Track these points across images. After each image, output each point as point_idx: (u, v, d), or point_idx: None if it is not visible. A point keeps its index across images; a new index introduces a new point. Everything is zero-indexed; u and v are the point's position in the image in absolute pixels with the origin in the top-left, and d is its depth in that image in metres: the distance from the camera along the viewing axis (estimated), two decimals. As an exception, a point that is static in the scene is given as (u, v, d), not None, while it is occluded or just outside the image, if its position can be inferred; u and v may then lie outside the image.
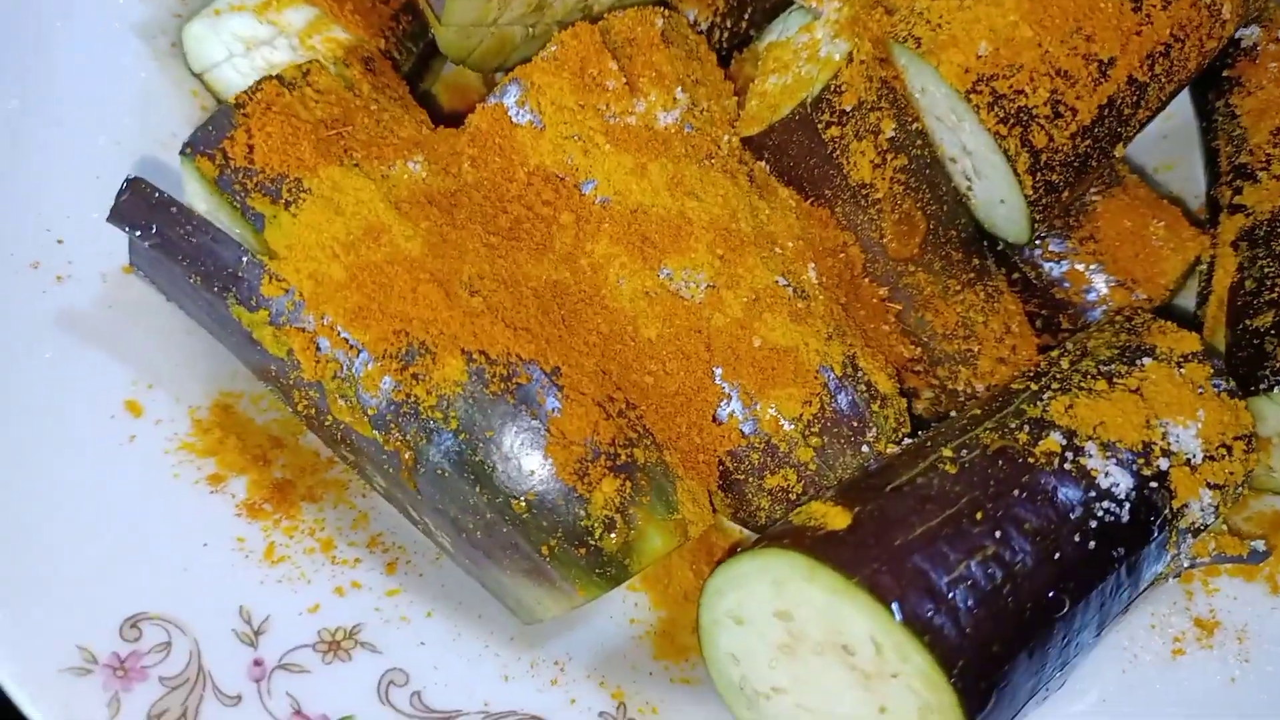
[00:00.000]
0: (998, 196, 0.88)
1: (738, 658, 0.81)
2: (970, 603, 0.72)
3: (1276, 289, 0.92)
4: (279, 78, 0.84)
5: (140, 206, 0.80)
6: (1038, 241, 0.98)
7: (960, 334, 0.94)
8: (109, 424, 0.88)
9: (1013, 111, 0.82)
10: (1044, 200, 0.85)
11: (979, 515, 0.76)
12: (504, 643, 0.88)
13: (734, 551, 0.81)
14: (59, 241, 0.92)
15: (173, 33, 1.03)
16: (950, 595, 0.71)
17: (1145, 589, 0.85)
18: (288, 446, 0.92)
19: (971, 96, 0.82)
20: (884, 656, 0.72)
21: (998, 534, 0.75)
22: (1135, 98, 0.83)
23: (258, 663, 0.81)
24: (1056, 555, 0.76)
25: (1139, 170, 1.11)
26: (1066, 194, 0.87)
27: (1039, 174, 0.84)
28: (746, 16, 1.05)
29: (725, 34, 1.05)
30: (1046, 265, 0.99)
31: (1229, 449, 0.85)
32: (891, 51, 0.87)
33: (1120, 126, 0.84)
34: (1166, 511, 0.82)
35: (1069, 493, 0.79)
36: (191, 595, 0.82)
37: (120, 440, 0.87)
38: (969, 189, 0.90)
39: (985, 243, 0.97)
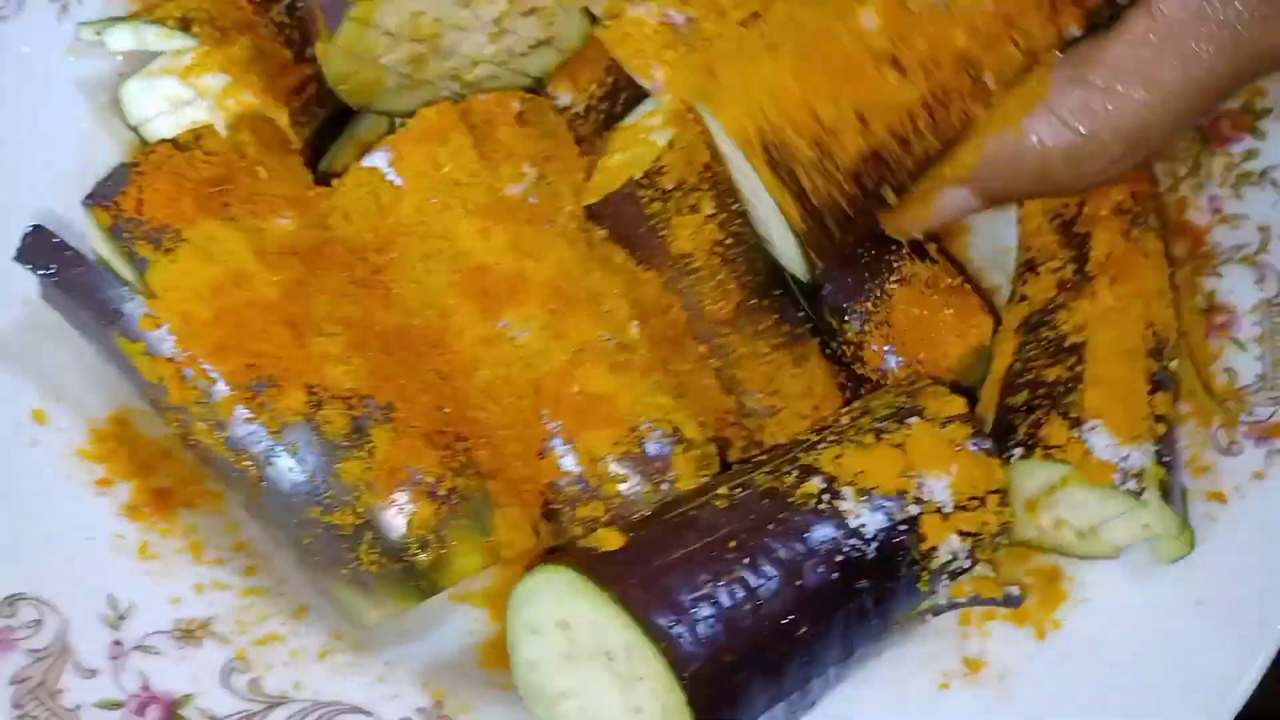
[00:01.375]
0: (779, 237, 0.99)
1: (535, 665, 0.93)
2: (709, 617, 0.83)
3: (1033, 371, 1.03)
4: (173, 141, 0.98)
5: (41, 249, 0.95)
6: (846, 321, 1.10)
7: (767, 390, 1.05)
8: (15, 429, 1.01)
9: (783, 159, 0.92)
10: (818, 239, 0.96)
11: (733, 544, 0.88)
12: (341, 644, 1.00)
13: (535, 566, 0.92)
14: (-11, 268, 1.07)
15: (112, 90, 1.17)
16: (691, 610, 0.83)
17: (900, 622, 0.95)
18: (174, 459, 1.05)
19: (747, 146, 0.93)
20: (634, 662, 0.83)
21: (746, 560, 0.87)
22: (900, 149, 0.93)
23: (117, 643, 0.94)
24: (799, 583, 0.87)
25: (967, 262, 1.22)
26: (840, 235, 0.96)
27: (809, 217, 0.94)
28: (621, 101, 1.18)
29: (601, 115, 1.17)
30: (849, 345, 1.11)
31: (982, 501, 0.95)
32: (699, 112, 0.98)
33: (886, 175, 0.94)
34: (914, 553, 0.93)
35: (820, 530, 0.90)
36: (67, 582, 0.95)
37: (23, 443, 1.00)
38: (767, 233, 1.01)
39: (801, 314, 1.09)
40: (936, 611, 0.98)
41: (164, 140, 0.99)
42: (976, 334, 1.10)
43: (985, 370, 1.11)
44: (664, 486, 0.98)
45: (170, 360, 0.93)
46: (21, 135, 1.13)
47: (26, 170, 1.12)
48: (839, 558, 0.89)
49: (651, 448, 0.98)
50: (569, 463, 0.98)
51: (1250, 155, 1.17)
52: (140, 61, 1.19)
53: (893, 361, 1.09)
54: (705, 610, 0.84)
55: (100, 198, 0.96)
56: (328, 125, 1.19)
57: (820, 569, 0.88)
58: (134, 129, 1.17)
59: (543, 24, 1.03)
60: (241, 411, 0.92)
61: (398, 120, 1.13)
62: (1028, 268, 1.12)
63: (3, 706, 0.88)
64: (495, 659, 1.02)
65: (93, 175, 1.13)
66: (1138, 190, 1.10)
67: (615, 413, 0.97)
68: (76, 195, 1.12)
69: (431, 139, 0.99)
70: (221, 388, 0.92)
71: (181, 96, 1.14)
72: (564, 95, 1.14)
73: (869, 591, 0.90)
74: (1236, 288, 1.14)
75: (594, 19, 1.04)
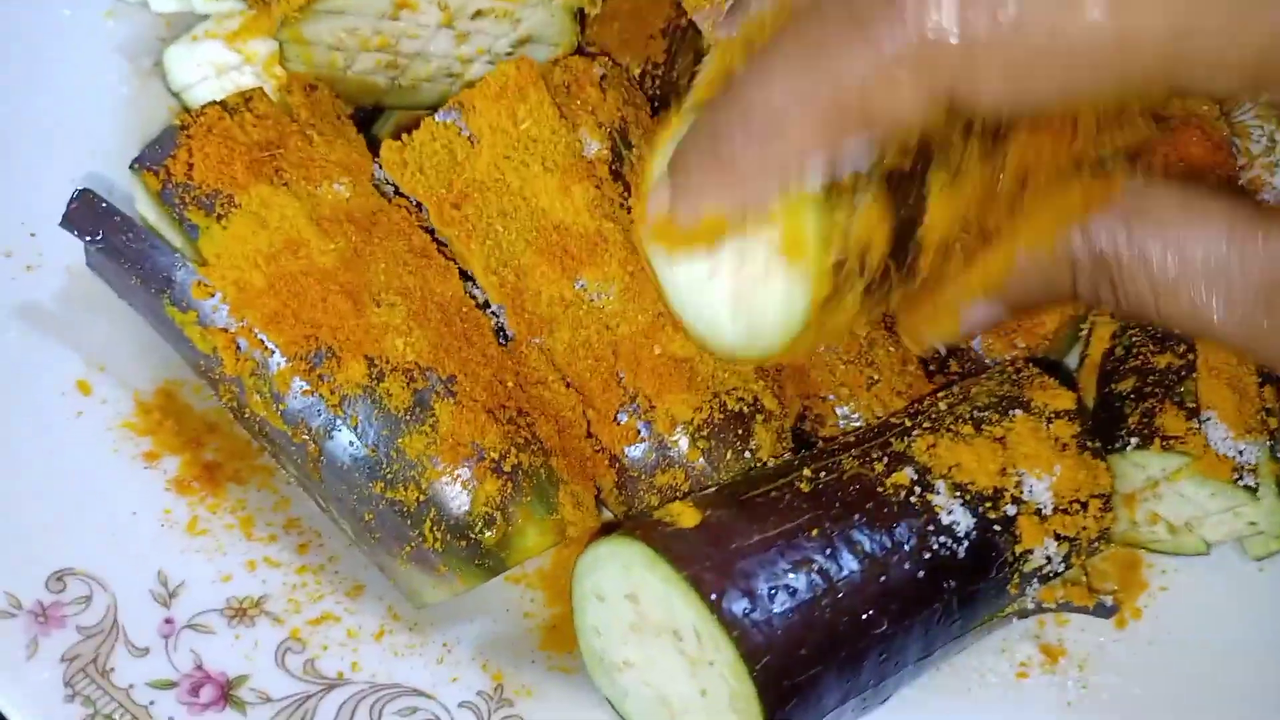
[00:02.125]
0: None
1: (599, 631, 0.89)
2: (786, 607, 0.79)
3: (1139, 357, 1.00)
4: (222, 103, 0.94)
5: (88, 215, 0.91)
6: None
7: (862, 362, 1.01)
8: (60, 400, 0.98)
9: None
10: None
11: (815, 531, 0.84)
12: (398, 624, 0.96)
13: (606, 532, 0.89)
14: (31, 235, 1.03)
15: (155, 54, 1.14)
16: (768, 599, 0.79)
17: (984, 622, 0.91)
18: (221, 432, 1.02)
19: None
20: (703, 645, 0.80)
21: (829, 550, 0.83)
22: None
23: (168, 621, 0.90)
24: (883, 578, 0.83)
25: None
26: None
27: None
28: (676, 67, 1.14)
29: (657, 80, 1.14)
30: None
31: (1084, 505, 0.90)
32: None
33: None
34: (1008, 554, 0.88)
35: (909, 524, 0.85)
36: (116, 557, 0.92)
37: (69, 415, 0.97)
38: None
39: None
40: (1023, 614, 0.94)
41: (213, 103, 0.95)
42: (1074, 303, 1.06)
43: (1072, 342, 1.06)
44: (745, 455, 0.94)
45: (224, 330, 0.89)
46: (62, 100, 1.10)
47: (68, 136, 1.09)
48: (927, 555, 0.85)
49: (731, 414, 0.94)
50: (647, 429, 0.94)
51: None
52: (182, 25, 1.16)
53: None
54: (782, 600, 0.80)
55: (148, 161, 0.92)
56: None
57: (906, 565, 0.84)
58: (176, 94, 1.14)
59: (506, 25, 1.00)
60: (299, 384, 0.89)
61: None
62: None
63: (53, 684, 0.85)
64: (556, 642, 0.99)
65: (134, 141, 1.12)
66: (1230, 175, 1.06)
67: (696, 378, 0.93)
68: (118, 161, 1.10)
69: (510, 95, 0.95)
70: (278, 359, 0.89)
71: (227, 62, 1.10)
72: (623, 60, 1.11)
73: (955, 592, 0.86)
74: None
75: (583, 19, 1.00)
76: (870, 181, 0.71)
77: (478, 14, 0.96)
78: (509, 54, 1.02)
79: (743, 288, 0.79)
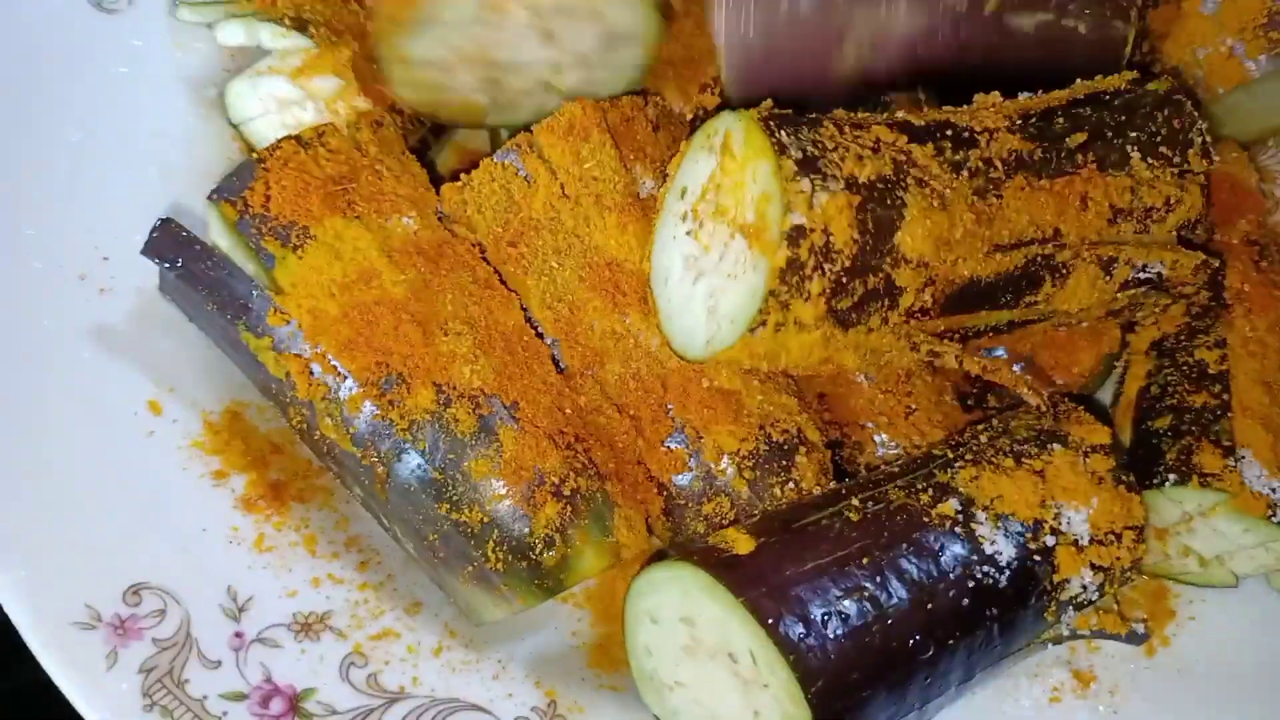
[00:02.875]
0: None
1: (651, 651, 0.93)
2: (839, 633, 0.83)
3: (1175, 396, 1.04)
4: (296, 138, 0.98)
5: (169, 243, 0.95)
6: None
7: (902, 391, 1.06)
8: (132, 419, 1.01)
9: None
10: None
11: (865, 560, 0.88)
12: (456, 640, 1.00)
13: (660, 557, 0.93)
14: (104, 258, 1.06)
15: (219, 85, 1.17)
16: (822, 624, 0.83)
17: (1022, 649, 0.95)
18: (285, 452, 1.06)
19: None
20: (759, 668, 0.84)
21: (879, 578, 0.87)
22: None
23: (238, 635, 0.94)
24: (930, 605, 0.87)
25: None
26: None
27: None
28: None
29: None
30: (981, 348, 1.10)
31: (1118, 536, 0.94)
32: None
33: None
34: (1046, 583, 0.92)
35: (954, 553, 0.90)
36: (188, 572, 0.95)
37: (141, 434, 1.01)
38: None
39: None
40: (1058, 640, 0.98)
41: (288, 137, 0.99)
42: (1109, 341, 1.10)
43: (1105, 378, 1.10)
44: (788, 485, 0.98)
45: (298, 356, 0.93)
46: (132, 127, 1.14)
47: (137, 162, 1.13)
48: (971, 583, 0.89)
49: (776, 445, 0.98)
50: (694, 458, 0.98)
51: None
52: (246, 58, 1.20)
53: (1020, 366, 1.09)
54: (835, 626, 0.84)
55: (226, 193, 0.97)
56: (433, 128, 1.19)
57: (951, 593, 0.88)
58: (236, 126, 1.17)
59: (591, 22, 1.02)
60: (370, 408, 0.92)
61: (503, 131, 1.15)
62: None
63: (132, 694, 0.88)
64: (605, 661, 1.02)
65: (199, 168, 1.16)
66: (1260, 219, 1.10)
67: (743, 410, 0.97)
68: (184, 187, 1.14)
69: (575, 134, 1.00)
70: (350, 384, 0.93)
71: (289, 97, 1.14)
72: (675, 104, 1.15)
73: (997, 619, 0.90)
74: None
75: (669, 8, 1.04)
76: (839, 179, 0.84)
77: (562, 11, 1.00)
78: (601, 57, 1.06)
79: (717, 285, 0.89)
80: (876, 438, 1.08)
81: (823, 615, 0.84)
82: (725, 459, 0.97)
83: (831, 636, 0.83)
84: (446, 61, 1.03)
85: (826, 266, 0.85)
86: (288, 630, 0.96)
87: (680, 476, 0.98)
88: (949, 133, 0.92)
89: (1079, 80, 1.02)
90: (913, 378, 1.08)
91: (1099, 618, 0.98)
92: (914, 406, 1.07)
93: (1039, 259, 0.94)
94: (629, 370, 0.98)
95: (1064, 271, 0.95)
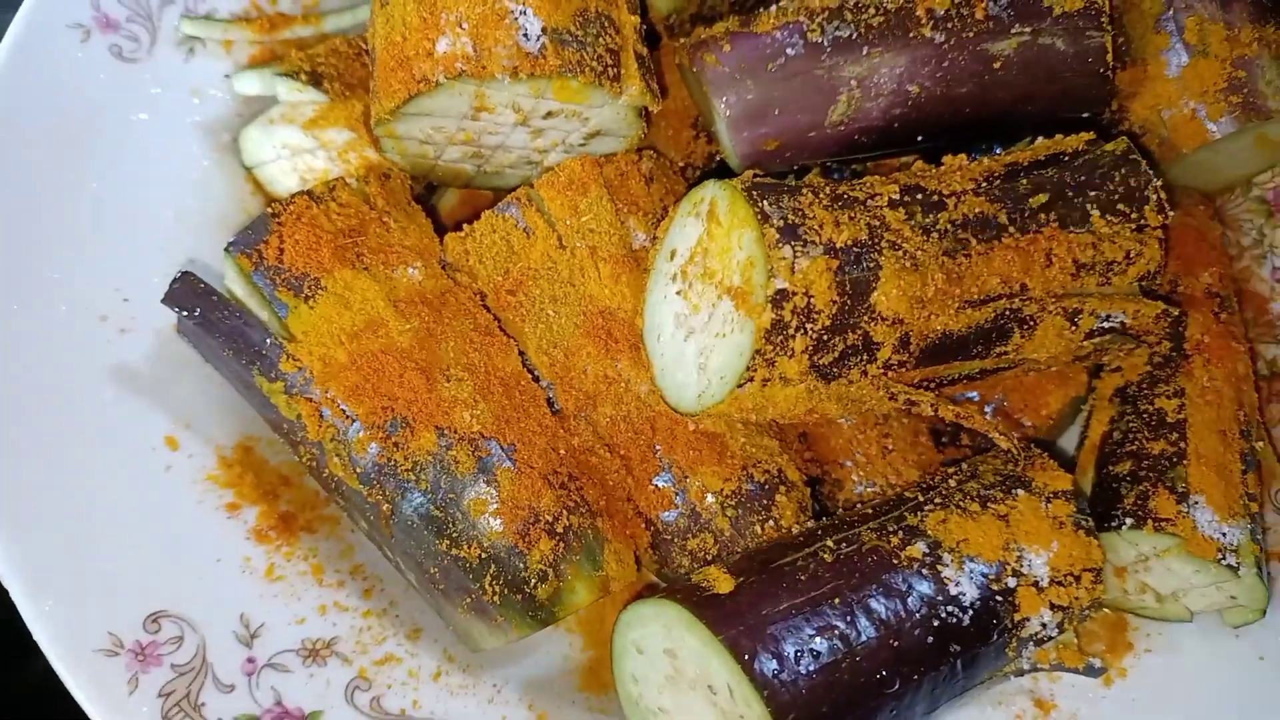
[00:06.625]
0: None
1: (637, 679, 0.99)
2: (811, 669, 0.89)
3: (1135, 443, 1.09)
4: (309, 193, 1.04)
5: (188, 294, 1.01)
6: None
7: (879, 432, 1.12)
8: (150, 454, 1.08)
9: None
10: None
11: (837, 600, 0.94)
12: (454, 665, 1.06)
13: (647, 592, 0.98)
14: (125, 300, 1.12)
15: (232, 130, 1.23)
16: (795, 661, 0.89)
17: (985, 681, 1.01)
18: (294, 485, 1.12)
19: None
20: (736, 701, 0.90)
21: (849, 617, 0.93)
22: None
23: (250, 660, 1.00)
24: (896, 643, 0.93)
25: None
26: None
27: None
28: (716, 161, 1.24)
29: (697, 171, 1.24)
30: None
31: (1077, 578, 1.00)
32: None
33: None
34: (1008, 621, 0.98)
35: (920, 593, 0.95)
36: (204, 600, 1.02)
37: (158, 468, 1.07)
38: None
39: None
40: (1020, 673, 1.04)
41: (301, 192, 1.05)
42: (1076, 385, 1.16)
43: (1071, 421, 1.16)
44: (769, 523, 1.04)
45: (309, 400, 0.99)
46: (150, 172, 1.19)
47: (155, 205, 1.19)
48: (935, 622, 0.95)
49: (757, 486, 1.05)
50: (679, 496, 1.04)
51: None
52: (259, 105, 1.25)
53: (990, 408, 1.15)
54: (806, 662, 0.90)
55: (243, 245, 1.03)
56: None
57: (917, 631, 0.94)
58: (248, 169, 1.23)
59: (576, 123, 1.08)
60: (375, 449, 0.99)
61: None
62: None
63: (152, 717, 0.94)
64: (595, 684, 1.09)
65: (215, 210, 1.22)
66: (1222, 271, 1.16)
67: (727, 452, 1.04)
68: (199, 230, 1.20)
69: (574, 188, 1.06)
70: (357, 427, 0.99)
71: (301, 145, 1.20)
72: (670, 153, 1.21)
73: (960, 655, 0.96)
74: (1298, 355, 1.20)
75: (647, 113, 1.09)
76: (819, 244, 0.91)
77: (549, 115, 1.06)
78: (582, 145, 1.12)
79: (706, 343, 0.96)
80: (855, 475, 1.15)
81: (795, 652, 0.90)
82: (710, 497, 1.03)
83: (804, 672, 0.89)
84: (435, 140, 1.09)
85: (809, 326, 0.91)
86: (296, 656, 1.02)
87: (667, 513, 1.05)
88: (919, 196, 0.99)
89: (1040, 139, 1.08)
90: (890, 419, 1.15)
91: (1058, 652, 1.04)
92: (891, 446, 1.14)
93: (1007, 312, 1.00)
94: (620, 413, 1.05)
95: (1031, 323, 1.01)
